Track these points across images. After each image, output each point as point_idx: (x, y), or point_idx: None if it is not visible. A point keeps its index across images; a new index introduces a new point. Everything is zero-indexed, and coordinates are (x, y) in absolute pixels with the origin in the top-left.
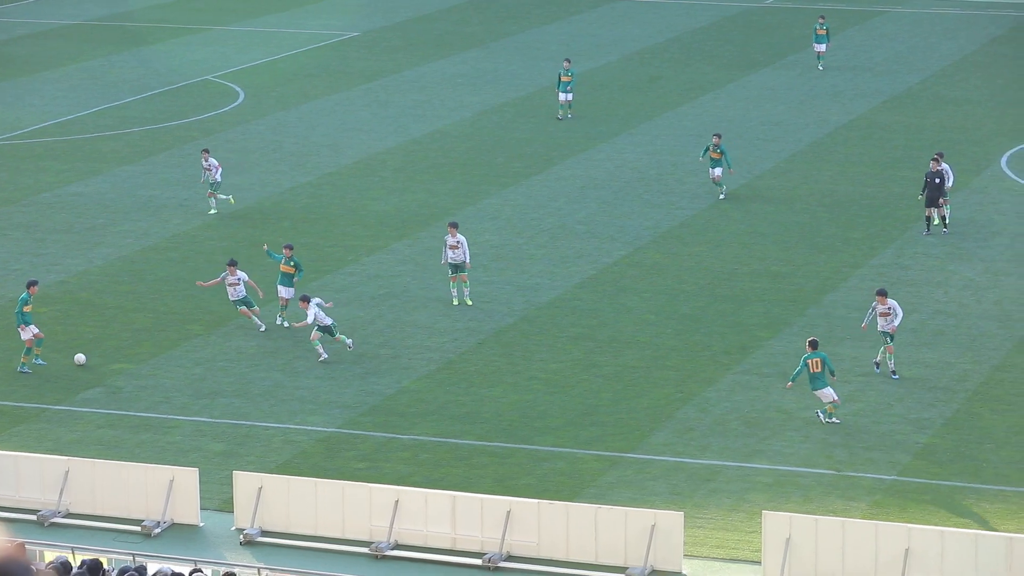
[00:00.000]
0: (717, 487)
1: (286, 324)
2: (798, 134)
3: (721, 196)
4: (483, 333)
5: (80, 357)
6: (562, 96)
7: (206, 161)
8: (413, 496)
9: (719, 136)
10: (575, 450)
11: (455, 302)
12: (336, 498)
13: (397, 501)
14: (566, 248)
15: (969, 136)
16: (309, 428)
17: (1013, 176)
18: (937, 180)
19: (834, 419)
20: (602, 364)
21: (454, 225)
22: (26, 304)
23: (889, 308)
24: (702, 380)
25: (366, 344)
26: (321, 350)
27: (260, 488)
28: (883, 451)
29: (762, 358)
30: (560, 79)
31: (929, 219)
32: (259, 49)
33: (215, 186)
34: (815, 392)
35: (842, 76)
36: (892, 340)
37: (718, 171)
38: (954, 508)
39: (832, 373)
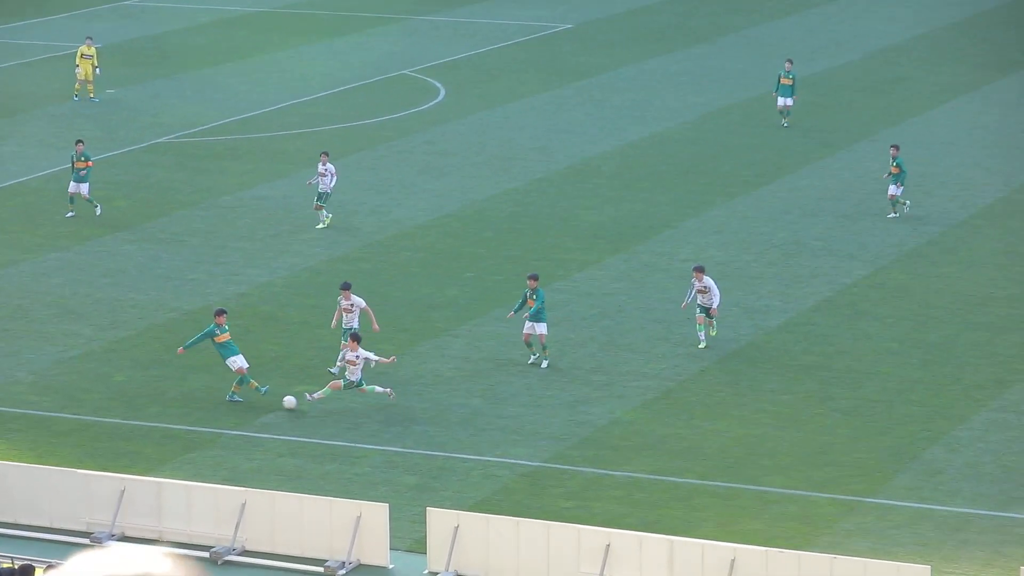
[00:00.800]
0: (969, 538)
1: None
2: None
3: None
4: (706, 360)
5: (290, 400)
6: (780, 101)
7: (323, 166)
8: (626, 540)
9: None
10: (808, 492)
11: (701, 345)
12: (541, 540)
13: (608, 545)
14: (799, 267)
15: None
16: (512, 461)
17: None
18: None
19: None
20: (838, 397)
21: (700, 269)
22: (214, 335)
23: (705, 286)
24: (952, 417)
25: (576, 369)
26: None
27: (456, 527)
28: None
29: (1020, 394)
30: (780, 81)
31: None
32: (463, 42)
33: (322, 197)
34: None
35: None
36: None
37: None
38: None
39: None
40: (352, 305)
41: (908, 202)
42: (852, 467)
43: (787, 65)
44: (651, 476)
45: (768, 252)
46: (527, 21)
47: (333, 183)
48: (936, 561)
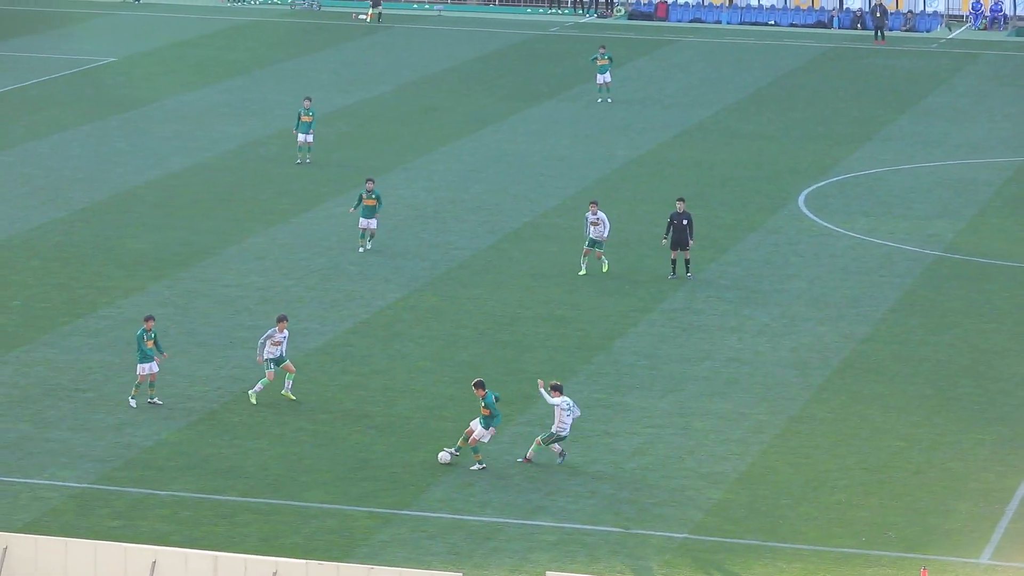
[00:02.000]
0: (498, 546)
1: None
2: (584, 170)
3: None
4: (247, 382)
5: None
6: (301, 137)
7: None
8: (172, 556)
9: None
10: (346, 507)
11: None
12: (88, 559)
13: (155, 562)
14: (337, 290)
15: (763, 173)
16: (60, 484)
17: (811, 216)
18: (685, 222)
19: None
20: (375, 415)
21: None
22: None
23: (598, 219)
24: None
25: (123, 393)
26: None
27: (5, 549)
28: (674, 507)
29: (546, 408)
30: (300, 119)
31: (675, 262)
32: (6, 75)
33: None
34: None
35: (630, 109)
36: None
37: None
38: (748, 567)
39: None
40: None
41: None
42: (388, 481)
43: (306, 103)
44: (195, 495)
45: (307, 277)
46: (70, 55)
47: None
48: (467, 568)
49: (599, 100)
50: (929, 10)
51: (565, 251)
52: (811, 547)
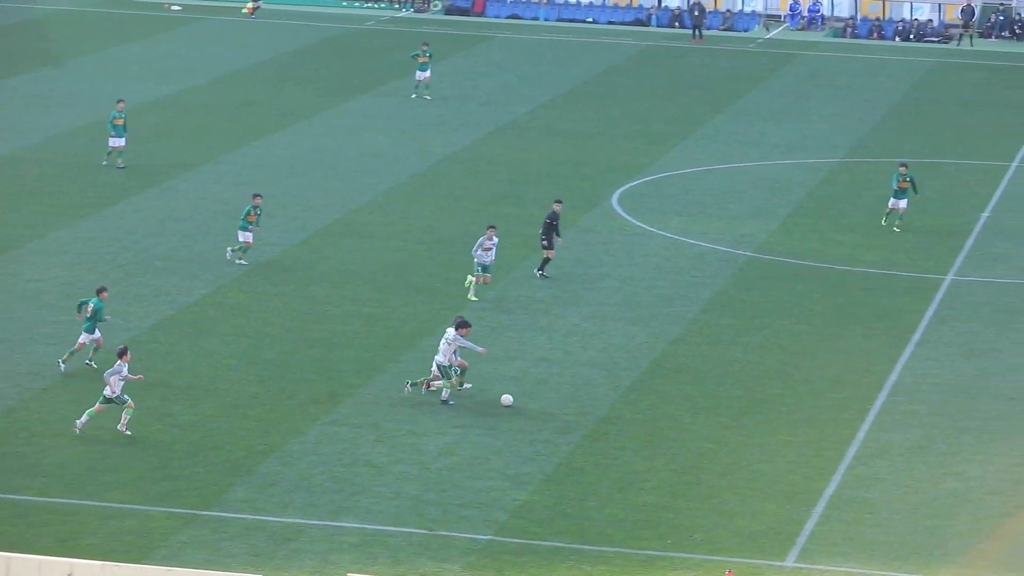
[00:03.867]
0: (300, 547)
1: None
2: (398, 166)
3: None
4: (48, 378)
5: (507, 398)
6: (113, 142)
7: None
8: None
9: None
10: (146, 507)
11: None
12: None
13: None
14: (143, 286)
15: (579, 171)
16: None
17: (624, 215)
18: (556, 223)
19: None
20: (177, 413)
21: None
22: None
23: (494, 244)
24: (286, 431)
25: None
26: None
27: None
28: (479, 508)
29: (352, 407)
30: (112, 122)
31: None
32: None
33: None
34: None
35: (447, 105)
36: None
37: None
38: (553, 570)
39: None
40: None
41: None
42: (189, 481)
43: (120, 105)
44: None
45: (112, 272)
46: None
47: None
48: (268, 570)
49: (413, 96)
50: (747, 9)
51: (376, 249)
52: (617, 549)
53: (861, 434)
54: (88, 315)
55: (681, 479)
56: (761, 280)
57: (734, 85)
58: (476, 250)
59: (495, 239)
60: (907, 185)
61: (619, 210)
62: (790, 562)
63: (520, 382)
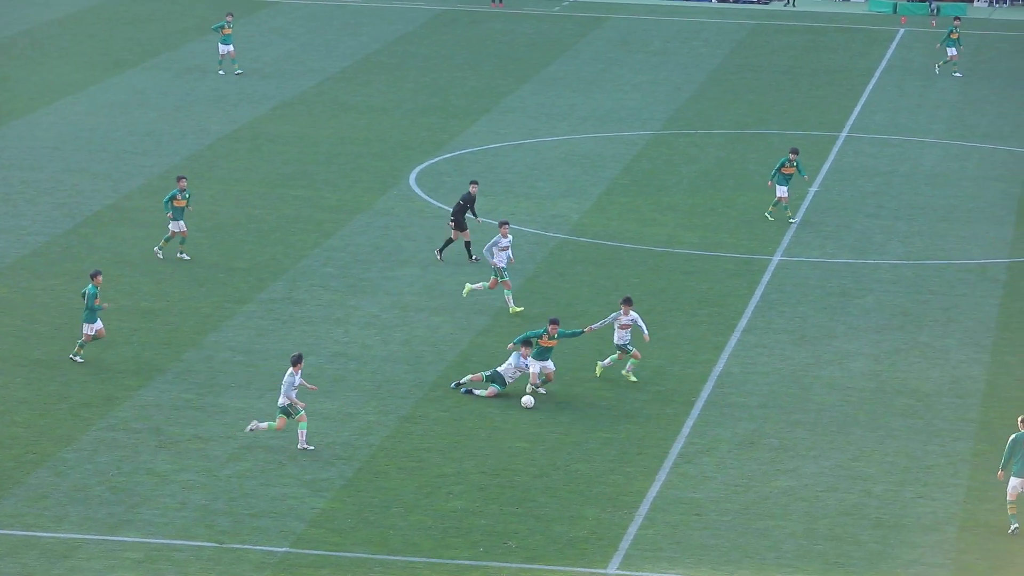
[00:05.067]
0: (76, 565)
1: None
2: (174, 146)
3: None
4: None
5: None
6: None
7: None
8: None
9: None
10: None
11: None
12: None
13: None
14: None
15: (372, 149)
16: None
17: (424, 196)
18: (471, 204)
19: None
20: None
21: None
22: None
23: (632, 320)
24: (58, 438)
25: None
26: None
27: None
28: (274, 518)
29: (130, 411)
30: None
31: (453, 242)
32: None
33: None
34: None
35: (225, 79)
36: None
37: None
38: None
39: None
40: None
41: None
42: None
43: None
44: None
45: None
46: None
47: None
48: None
49: (221, 72)
50: None
51: (152, 237)
52: (425, 559)
53: (686, 430)
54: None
55: (493, 482)
56: (575, 264)
57: (539, 53)
58: (489, 250)
59: (510, 236)
60: (793, 171)
61: (418, 191)
62: (612, 569)
63: (315, 379)
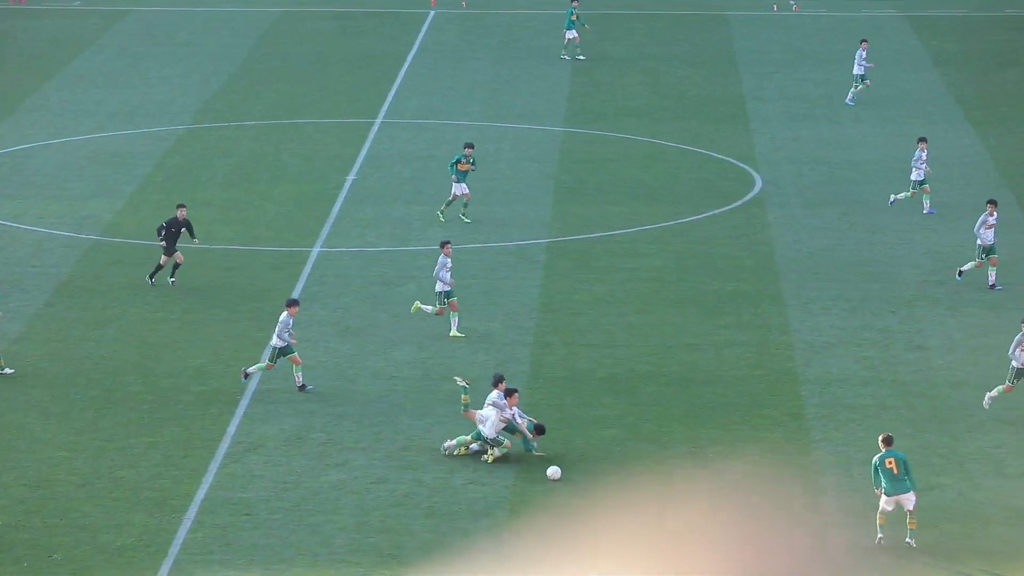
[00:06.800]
0: None
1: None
2: None
3: None
4: None
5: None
6: None
7: None
8: None
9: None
10: None
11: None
12: None
13: None
14: None
15: None
16: None
17: None
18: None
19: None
20: None
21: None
22: None
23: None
24: None
25: None
26: None
27: None
28: None
29: None
30: None
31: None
32: None
33: None
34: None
35: None
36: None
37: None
38: None
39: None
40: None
41: None
42: None
43: None
44: None
45: None
46: None
47: None
48: None
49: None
50: None
51: None
52: None
53: (232, 429)
54: None
55: (34, 494)
56: (110, 266)
57: (62, 49)
58: (440, 273)
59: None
60: (469, 168)
61: None
62: (162, 575)
63: None
